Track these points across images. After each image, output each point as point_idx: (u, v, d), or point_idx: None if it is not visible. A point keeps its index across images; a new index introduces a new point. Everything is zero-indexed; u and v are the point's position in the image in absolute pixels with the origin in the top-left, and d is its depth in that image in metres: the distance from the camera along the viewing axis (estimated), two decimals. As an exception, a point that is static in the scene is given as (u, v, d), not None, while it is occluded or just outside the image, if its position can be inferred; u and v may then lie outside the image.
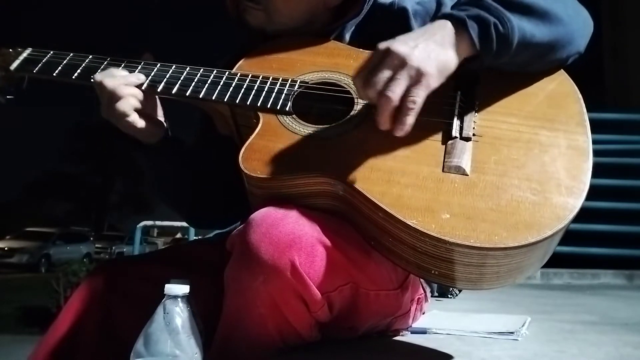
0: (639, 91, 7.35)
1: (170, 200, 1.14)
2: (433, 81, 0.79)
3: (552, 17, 0.87)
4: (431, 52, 0.80)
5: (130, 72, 0.98)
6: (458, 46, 0.82)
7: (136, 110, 0.95)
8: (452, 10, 0.86)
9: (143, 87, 0.97)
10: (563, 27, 0.89)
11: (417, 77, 0.78)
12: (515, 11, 0.84)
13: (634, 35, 7.61)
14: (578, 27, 0.92)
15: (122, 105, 0.94)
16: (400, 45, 0.79)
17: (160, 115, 1.03)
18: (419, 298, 1.13)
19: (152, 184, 1.09)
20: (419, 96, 0.78)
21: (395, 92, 0.77)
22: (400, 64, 0.78)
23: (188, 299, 0.70)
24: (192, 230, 6.74)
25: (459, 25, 0.83)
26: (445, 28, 0.83)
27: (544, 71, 0.94)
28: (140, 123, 0.96)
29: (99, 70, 0.98)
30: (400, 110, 0.78)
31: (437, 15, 1.01)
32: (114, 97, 0.94)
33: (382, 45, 0.80)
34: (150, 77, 0.98)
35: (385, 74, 0.78)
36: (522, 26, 0.84)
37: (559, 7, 0.89)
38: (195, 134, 1.19)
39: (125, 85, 0.94)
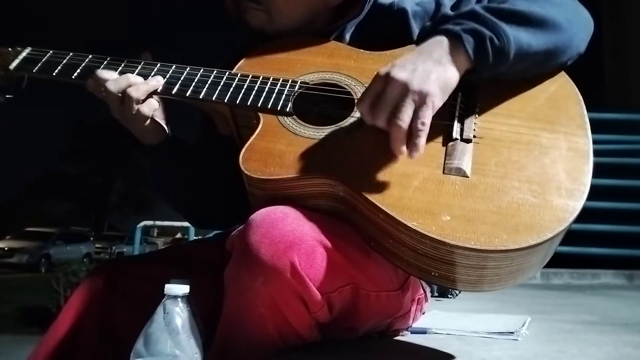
0: (639, 91, 7.34)
1: (171, 199, 1.14)
2: (437, 100, 0.81)
3: (549, 25, 0.87)
4: (431, 72, 0.81)
5: (132, 72, 0.98)
6: (456, 61, 0.84)
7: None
8: (447, 25, 0.86)
9: (159, 90, 0.97)
10: (562, 33, 0.89)
11: (422, 100, 0.80)
12: (511, 22, 0.85)
13: (634, 35, 7.61)
14: (578, 30, 0.92)
15: (144, 110, 0.95)
16: (399, 71, 0.81)
17: (161, 116, 1.03)
18: (419, 298, 1.13)
19: (153, 182, 1.10)
20: (426, 117, 0.80)
21: (404, 120, 0.79)
22: (403, 90, 0.80)
23: (188, 299, 0.70)
24: (192, 230, 6.74)
25: (455, 41, 0.84)
26: (441, 45, 0.84)
27: (544, 73, 0.94)
28: (151, 126, 0.98)
29: (116, 71, 0.98)
30: (411, 133, 0.80)
31: (436, 16, 1.02)
32: (134, 101, 0.94)
33: (382, 71, 0.82)
34: (149, 77, 0.98)
35: (391, 102, 0.80)
36: (518, 37, 0.84)
37: (557, 12, 0.89)
38: (195, 134, 1.19)
39: (147, 91, 0.95)
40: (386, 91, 0.81)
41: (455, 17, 0.88)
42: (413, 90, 0.79)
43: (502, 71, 0.87)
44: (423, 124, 0.80)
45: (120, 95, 0.94)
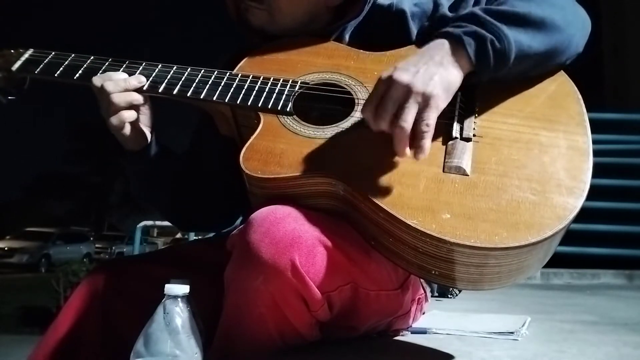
0: (638, 91, 7.35)
1: (152, 203, 1.13)
2: (441, 102, 0.81)
3: (548, 25, 0.88)
4: (433, 74, 0.81)
5: (130, 74, 0.98)
6: (458, 63, 0.83)
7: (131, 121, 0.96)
8: (448, 28, 0.86)
9: (144, 88, 0.97)
10: (561, 34, 0.89)
11: (425, 101, 0.79)
12: (511, 24, 0.85)
13: (634, 35, 7.62)
14: (576, 30, 0.93)
15: (121, 117, 0.94)
16: (402, 73, 0.80)
17: (147, 122, 1.02)
18: (419, 298, 1.13)
19: (134, 188, 1.09)
20: (431, 119, 0.79)
21: (407, 121, 0.78)
22: (406, 92, 0.79)
23: (188, 299, 0.70)
24: (192, 230, 6.73)
25: (456, 44, 0.84)
26: (443, 48, 0.84)
27: (543, 73, 0.94)
28: (132, 133, 0.97)
29: (99, 72, 0.98)
30: (415, 135, 0.79)
31: (434, 16, 1.02)
32: (113, 106, 0.94)
33: (385, 75, 0.82)
34: (151, 77, 0.98)
35: (393, 104, 0.79)
36: (518, 39, 0.84)
37: (555, 13, 0.89)
38: (193, 136, 1.19)
39: (125, 92, 0.95)
40: (389, 94, 0.80)
41: (456, 20, 0.88)
42: (417, 91, 0.79)
43: (502, 73, 0.87)
44: (427, 125, 0.79)
45: (99, 87, 0.94)
